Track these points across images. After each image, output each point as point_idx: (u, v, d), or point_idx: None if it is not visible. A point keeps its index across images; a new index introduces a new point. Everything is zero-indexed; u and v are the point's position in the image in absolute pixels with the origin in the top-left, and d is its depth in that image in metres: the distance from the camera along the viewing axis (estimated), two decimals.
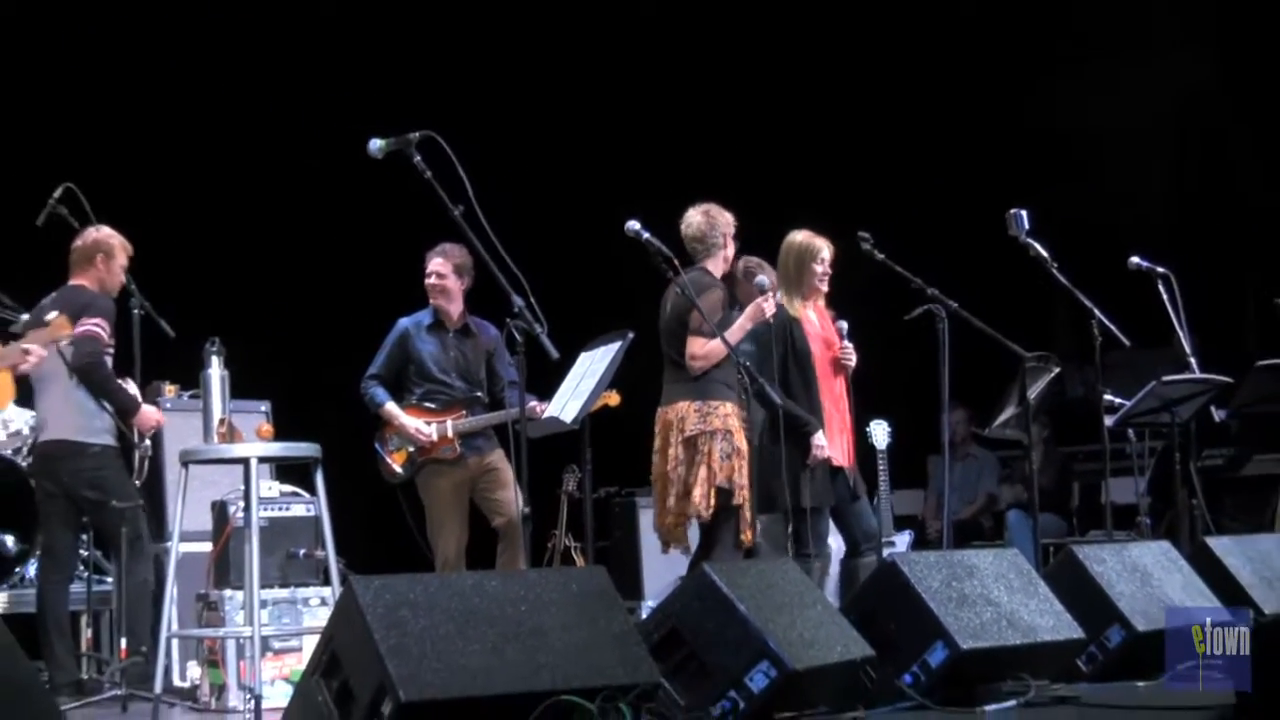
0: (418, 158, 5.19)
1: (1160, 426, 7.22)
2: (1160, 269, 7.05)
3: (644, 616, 6.57)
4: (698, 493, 5.91)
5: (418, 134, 5.21)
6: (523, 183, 9.24)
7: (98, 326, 6.08)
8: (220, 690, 5.98)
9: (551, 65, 10.22)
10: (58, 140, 8.38)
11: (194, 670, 6.37)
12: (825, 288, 6.45)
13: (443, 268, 6.80)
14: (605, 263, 8.07)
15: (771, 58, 10.61)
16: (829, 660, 4.56)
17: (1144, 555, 5.72)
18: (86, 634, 7.04)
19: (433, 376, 6.83)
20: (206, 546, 6.41)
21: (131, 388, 6.30)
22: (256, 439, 5.74)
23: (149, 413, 6.35)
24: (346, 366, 7.14)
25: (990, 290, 7.77)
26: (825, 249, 6.41)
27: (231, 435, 5.45)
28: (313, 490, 5.53)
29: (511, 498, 6.46)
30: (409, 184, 5.23)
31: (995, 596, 5.04)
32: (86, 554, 6.81)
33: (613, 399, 6.66)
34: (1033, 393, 6.50)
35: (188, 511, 5.35)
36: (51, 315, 5.84)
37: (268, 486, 6.50)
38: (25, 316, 6.43)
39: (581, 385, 5.98)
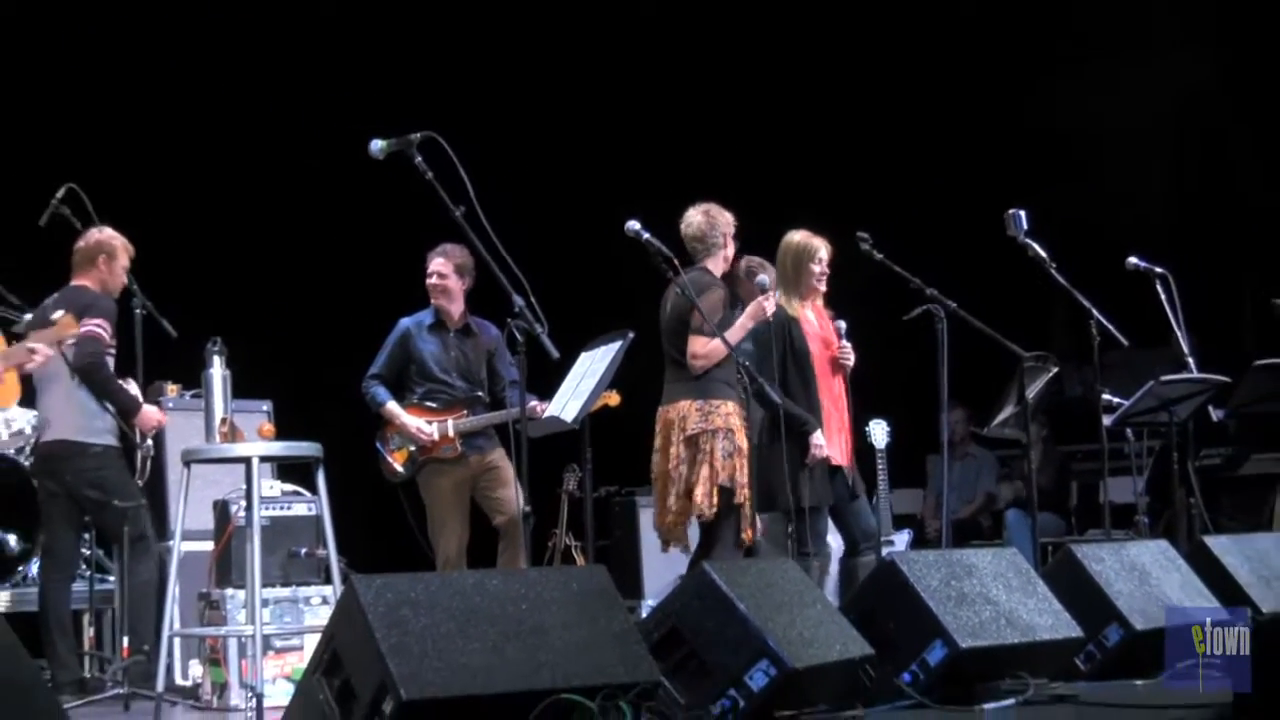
0: (419, 158, 5.21)
1: (1158, 426, 7.23)
2: (1158, 269, 7.07)
3: (644, 615, 6.58)
4: (700, 491, 5.93)
5: (419, 135, 5.23)
6: (523, 183, 9.24)
7: (99, 327, 6.10)
8: (222, 689, 6.00)
9: (552, 66, 10.22)
10: (60, 141, 8.38)
11: (196, 669, 6.39)
12: (823, 287, 6.47)
13: (444, 268, 6.82)
14: (605, 263, 8.08)
15: (771, 58, 10.61)
16: (828, 659, 4.57)
17: (1142, 554, 5.73)
18: (89, 633, 7.07)
19: (434, 376, 6.85)
20: (208, 545, 6.43)
21: (133, 388, 6.31)
22: (258, 438, 5.76)
23: (150, 413, 6.36)
24: (348, 366, 7.16)
25: (989, 290, 7.79)
26: (823, 249, 6.43)
27: (233, 435, 5.47)
28: (314, 489, 5.54)
29: (512, 496, 6.48)
30: (410, 184, 5.24)
31: (994, 595, 5.05)
32: (88, 553, 6.84)
33: (613, 399, 6.68)
34: (1031, 392, 6.52)
35: (190, 511, 5.37)
36: (58, 315, 5.86)
37: (269, 486, 6.51)
38: (28, 317, 6.45)
39: (582, 385, 6.00)
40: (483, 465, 6.81)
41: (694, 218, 6.23)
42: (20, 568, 7.21)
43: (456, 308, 6.88)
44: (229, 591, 6.09)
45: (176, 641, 6.35)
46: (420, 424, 6.76)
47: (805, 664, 4.43)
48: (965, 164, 10.39)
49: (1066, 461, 9.78)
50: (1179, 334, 7.04)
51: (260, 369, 6.92)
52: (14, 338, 6.28)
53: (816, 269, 6.42)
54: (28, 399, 6.64)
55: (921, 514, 9.98)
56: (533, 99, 10.17)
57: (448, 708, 3.80)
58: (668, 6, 10.58)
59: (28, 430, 6.81)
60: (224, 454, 5.44)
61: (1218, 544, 6.05)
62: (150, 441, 6.52)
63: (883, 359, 7.35)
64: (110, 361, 6.24)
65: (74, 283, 6.32)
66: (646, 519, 7.69)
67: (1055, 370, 6.78)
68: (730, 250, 6.27)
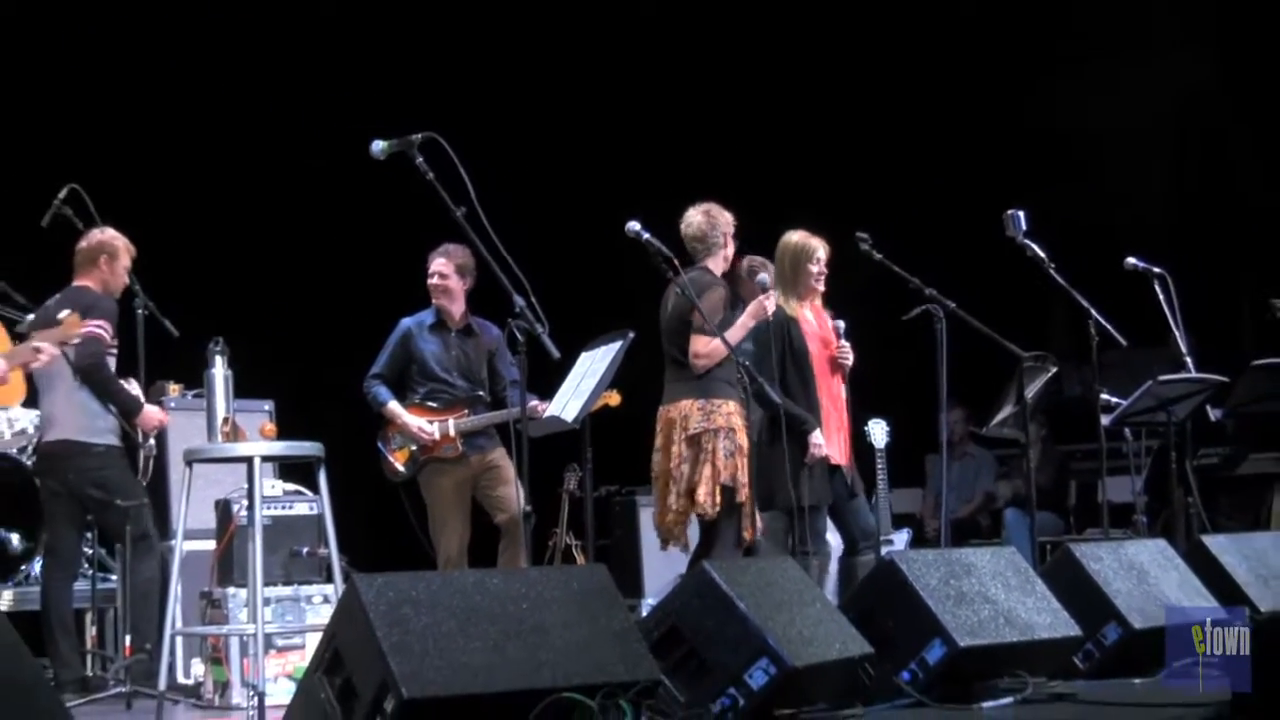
0: (420, 159, 5.23)
1: (1156, 425, 7.24)
2: (1156, 269, 7.08)
3: (644, 614, 6.60)
4: (703, 491, 5.94)
5: (420, 135, 5.24)
6: (524, 183, 9.25)
7: (100, 328, 6.11)
8: (224, 687, 6.01)
9: (552, 66, 10.23)
10: (62, 141, 8.39)
11: (198, 667, 6.40)
12: (821, 287, 6.49)
13: (445, 268, 6.84)
14: (605, 263, 8.09)
15: (770, 58, 10.62)
16: (828, 657, 4.58)
17: (1140, 553, 5.74)
18: (91, 631, 7.08)
19: (435, 376, 6.87)
20: (210, 545, 6.44)
21: (134, 388, 6.32)
22: (260, 438, 5.77)
23: (151, 413, 6.38)
24: (349, 366, 7.17)
25: (988, 290, 7.80)
26: (820, 249, 6.45)
27: (235, 434, 5.48)
28: (316, 489, 5.55)
29: (513, 494, 6.49)
30: (411, 185, 5.26)
31: (993, 594, 5.06)
32: (90, 552, 6.85)
33: (613, 398, 6.70)
34: (1030, 392, 6.53)
35: (192, 510, 5.39)
36: (64, 314, 5.88)
37: (271, 485, 6.52)
38: (30, 317, 6.47)
39: (582, 385, 6.01)
40: (484, 464, 6.82)
41: (694, 217, 6.24)
42: (23, 567, 7.24)
43: (458, 308, 6.90)
44: (231, 590, 6.11)
45: (179, 640, 6.37)
46: (422, 423, 6.78)
47: (805, 662, 4.44)
48: (965, 164, 10.39)
49: (1065, 461, 9.78)
50: (1177, 334, 7.05)
51: (262, 369, 6.93)
52: (17, 338, 6.30)
53: (814, 269, 6.44)
54: (30, 399, 6.65)
55: (920, 513, 9.99)
56: (533, 99, 10.18)
57: (449, 706, 3.81)
58: (668, 6, 10.59)
59: (30, 430, 6.83)
60: (226, 453, 5.45)
61: (1215, 543, 6.06)
62: (153, 441, 6.53)
63: (882, 359, 7.37)
64: (111, 362, 6.25)
65: (76, 283, 6.33)
66: (646, 518, 7.70)
67: (1054, 370, 6.79)
68: (730, 250, 6.29)
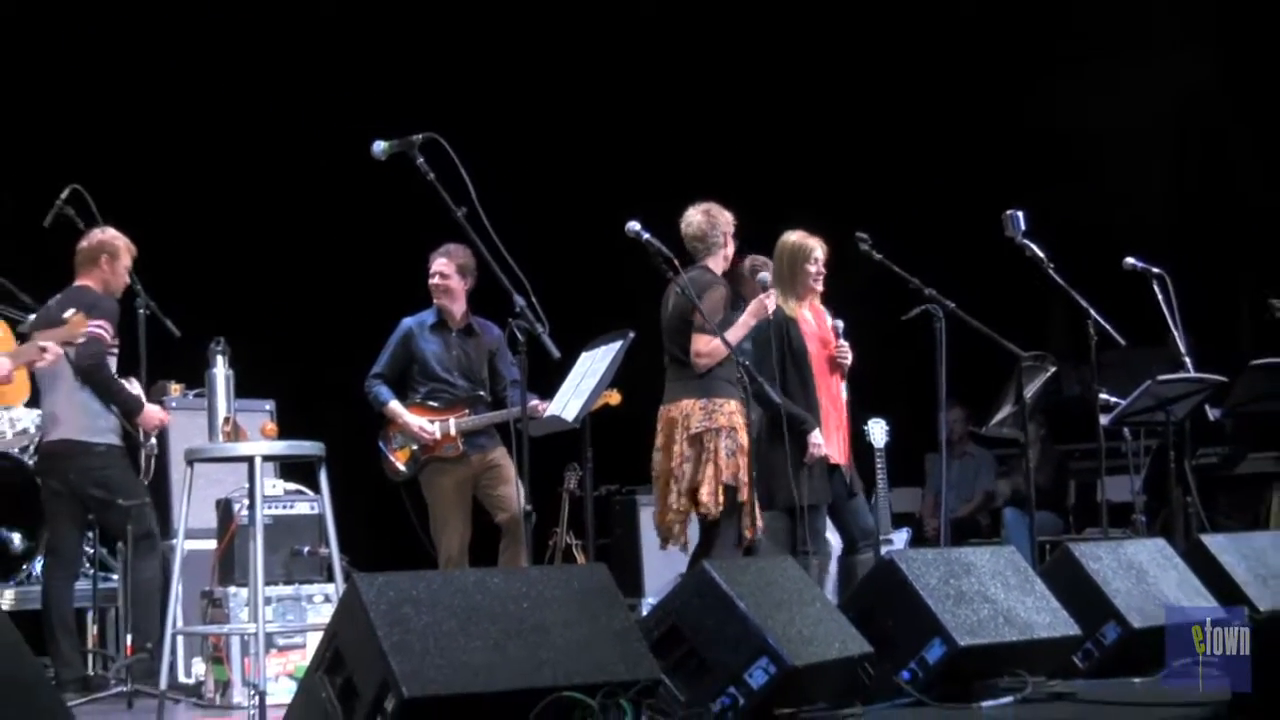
0: (421, 159, 5.24)
1: (1155, 425, 7.25)
2: (1155, 269, 7.09)
3: (644, 613, 6.61)
4: (706, 490, 5.95)
5: (421, 136, 5.25)
6: (524, 184, 9.26)
7: (101, 328, 6.11)
8: (225, 686, 6.02)
9: (552, 66, 10.24)
10: (64, 141, 8.41)
11: (199, 666, 6.41)
12: (820, 287, 6.50)
13: (446, 268, 6.85)
14: (605, 263, 8.10)
15: (770, 58, 10.63)
16: (828, 657, 4.58)
17: (1139, 553, 5.75)
18: (92, 630, 7.09)
19: (436, 375, 6.88)
20: (211, 544, 6.45)
21: (135, 387, 6.33)
22: (261, 438, 5.77)
23: (152, 412, 6.38)
24: (350, 366, 7.18)
25: (987, 290, 7.81)
26: (818, 249, 6.47)
27: (236, 434, 5.49)
28: (317, 488, 5.56)
29: (514, 493, 6.50)
30: (412, 185, 5.27)
31: (992, 593, 5.07)
32: (92, 551, 6.86)
33: (613, 398, 6.71)
34: (1029, 392, 6.54)
35: (193, 509, 5.40)
36: (69, 313, 5.89)
37: (272, 484, 6.53)
38: (32, 317, 6.48)
39: (583, 384, 6.02)
40: (484, 464, 6.83)
41: (694, 217, 6.25)
42: (24, 566, 7.25)
43: (459, 307, 6.91)
44: (232, 589, 6.12)
45: (180, 639, 6.38)
46: (423, 423, 6.79)
47: (805, 662, 4.44)
48: (965, 164, 10.40)
49: (1064, 460, 9.79)
50: (1176, 334, 7.05)
51: (263, 368, 6.93)
52: (20, 338, 6.31)
53: (812, 269, 6.45)
54: (32, 399, 6.66)
55: (920, 512, 10.00)
56: (533, 100, 10.19)
57: (449, 705, 3.82)
58: (668, 6, 10.60)
59: (32, 429, 6.84)
60: (227, 453, 5.45)
61: (1214, 542, 6.07)
62: (154, 441, 6.54)
63: (881, 358, 7.38)
64: (113, 362, 6.26)
65: (77, 283, 6.34)
66: (647, 517, 7.71)
67: (1053, 370, 6.80)
68: (730, 249, 6.30)
